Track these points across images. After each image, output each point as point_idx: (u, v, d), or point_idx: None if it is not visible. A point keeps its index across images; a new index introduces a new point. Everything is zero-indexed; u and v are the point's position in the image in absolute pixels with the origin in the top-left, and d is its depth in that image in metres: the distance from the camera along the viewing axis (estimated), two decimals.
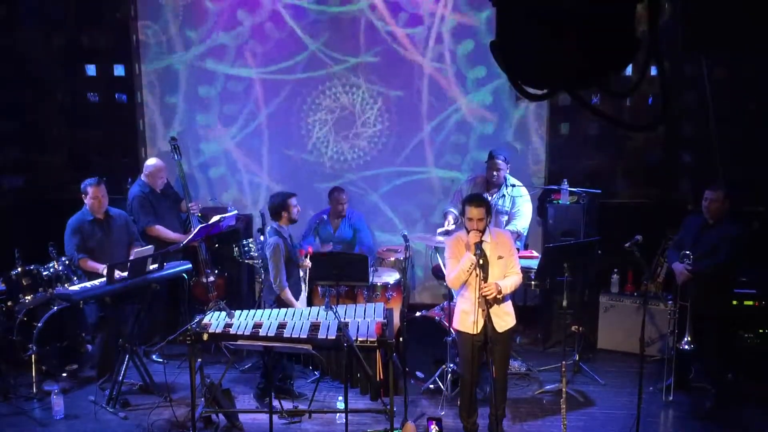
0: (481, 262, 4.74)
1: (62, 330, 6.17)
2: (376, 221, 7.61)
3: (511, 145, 7.29)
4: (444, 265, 6.02)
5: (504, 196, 6.42)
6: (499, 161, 6.34)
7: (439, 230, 6.32)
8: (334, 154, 7.59)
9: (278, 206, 5.64)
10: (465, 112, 7.38)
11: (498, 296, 4.83)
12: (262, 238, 6.64)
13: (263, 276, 6.56)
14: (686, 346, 5.61)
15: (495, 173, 6.34)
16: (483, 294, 4.74)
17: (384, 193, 7.62)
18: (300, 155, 7.61)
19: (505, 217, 6.44)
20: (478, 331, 4.82)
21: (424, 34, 7.26)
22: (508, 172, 6.46)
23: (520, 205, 6.45)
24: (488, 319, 4.80)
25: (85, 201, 5.96)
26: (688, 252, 5.62)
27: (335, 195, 6.90)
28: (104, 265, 5.75)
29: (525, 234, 6.52)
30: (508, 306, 5.03)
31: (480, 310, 4.75)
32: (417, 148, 7.50)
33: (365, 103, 7.46)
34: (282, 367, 5.72)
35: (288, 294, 5.59)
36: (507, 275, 4.95)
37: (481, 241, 4.80)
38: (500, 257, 4.91)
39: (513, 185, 6.48)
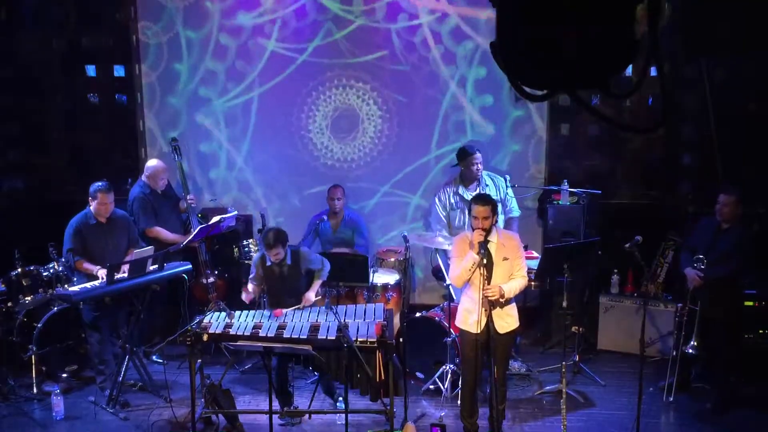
0: (485, 261, 4.74)
1: (62, 330, 6.17)
2: (376, 221, 7.61)
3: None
4: (443, 266, 6.04)
5: (488, 185, 6.43)
6: (479, 154, 6.36)
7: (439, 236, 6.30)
8: (335, 154, 7.59)
9: None
10: (465, 112, 7.39)
11: (500, 299, 4.83)
12: None
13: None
14: (691, 350, 5.61)
15: (474, 168, 6.33)
16: (485, 295, 4.74)
17: (383, 194, 7.62)
18: (301, 156, 7.61)
19: (498, 205, 6.44)
20: (480, 331, 4.82)
21: (425, 34, 7.27)
22: None
23: (505, 189, 6.53)
24: (490, 320, 4.80)
25: (91, 204, 5.93)
26: (701, 256, 5.59)
27: (330, 191, 6.90)
28: (98, 267, 5.75)
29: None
30: (512, 308, 5.02)
31: (483, 309, 4.76)
32: (416, 147, 7.50)
33: (366, 102, 7.46)
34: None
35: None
36: (513, 277, 4.94)
37: (486, 241, 4.80)
38: (506, 258, 4.90)
39: (488, 175, 6.51)
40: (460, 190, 6.39)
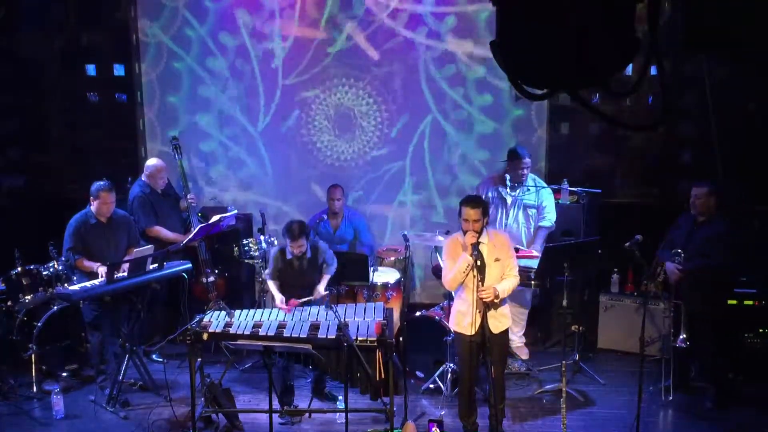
0: (478, 263, 4.75)
1: (62, 329, 6.16)
2: (376, 220, 7.60)
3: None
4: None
5: (528, 189, 6.41)
6: (528, 160, 6.35)
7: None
8: (335, 153, 7.59)
9: None
10: (464, 111, 7.38)
11: (495, 300, 4.84)
12: (262, 237, 6.65)
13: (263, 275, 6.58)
14: (682, 344, 5.61)
15: (521, 172, 6.32)
16: (480, 297, 4.75)
17: (383, 192, 7.61)
18: (301, 155, 7.60)
19: (533, 211, 6.42)
20: (474, 332, 4.82)
21: (425, 32, 7.26)
22: None
23: (545, 197, 6.46)
24: (484, 320, 4.81)
25: (92, 203, 5.93)
26: (679, 250, 5.63)
27: (330, 191, 6.90)
28: (98, 264, 5.75)
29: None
30: (505, 308, 5.04)
31: (477, 311, 4.76)
32: (416, 147, 7.50)
33: (365, 102, 7.46)
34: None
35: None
36: (505, 277, 4.95)
37: (478, 243, 4.80)
38: (497, 259, 4.91)
39: (533, 178, 6.50)
40: (500, 187, 6.39)
